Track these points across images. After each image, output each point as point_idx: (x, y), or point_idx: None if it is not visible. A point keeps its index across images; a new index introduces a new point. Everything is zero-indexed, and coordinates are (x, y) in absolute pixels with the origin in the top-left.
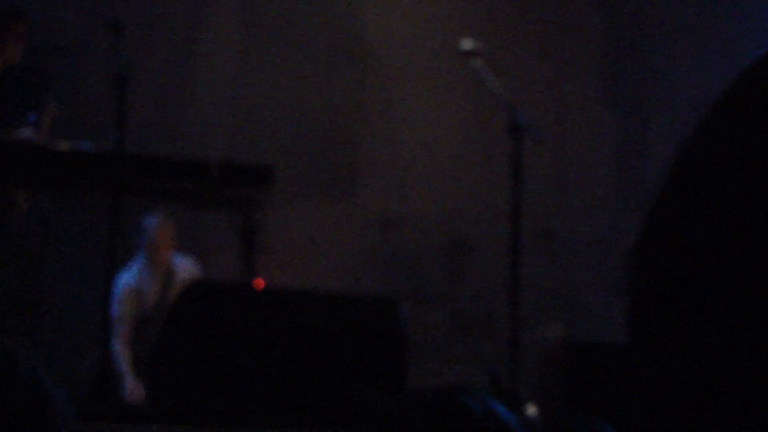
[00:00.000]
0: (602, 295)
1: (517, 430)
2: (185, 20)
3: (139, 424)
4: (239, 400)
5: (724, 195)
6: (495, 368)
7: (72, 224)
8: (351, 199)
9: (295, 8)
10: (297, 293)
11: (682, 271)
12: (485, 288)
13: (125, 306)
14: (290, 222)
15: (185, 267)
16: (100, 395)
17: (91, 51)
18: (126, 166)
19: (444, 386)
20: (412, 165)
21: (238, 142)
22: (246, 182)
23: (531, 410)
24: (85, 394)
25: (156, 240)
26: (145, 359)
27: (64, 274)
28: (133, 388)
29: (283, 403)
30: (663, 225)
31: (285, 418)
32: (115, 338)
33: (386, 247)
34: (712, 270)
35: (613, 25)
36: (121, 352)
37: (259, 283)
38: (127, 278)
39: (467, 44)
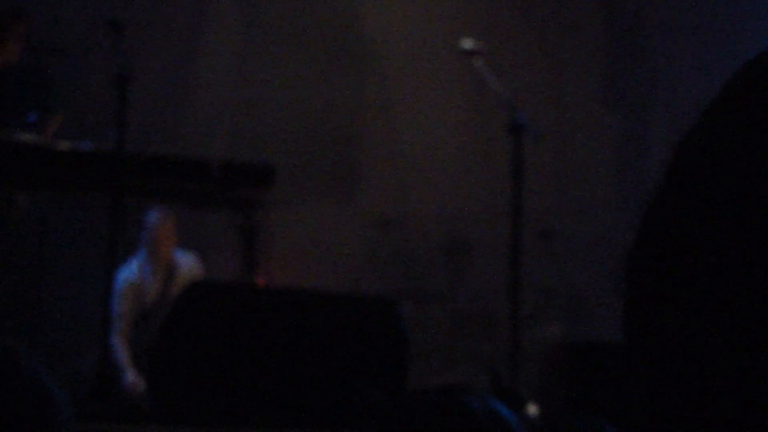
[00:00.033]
0: (602, 294)
1: (518, 430)
2: (185, 20)
3: (139, 424)
4: (240, 400)
5: (719, 195)
6: (496, 368)
7: (72, 224)
8: (351, 199)
9: (295, 8)
10: (297, 293)
11: (676, 271)
12: (485, 288)
13: (125, 301)
14: (290, 222)
15: (187, 263)
16: (100, 395)
17: (91, 51)
18: (126, 166)
19: (445, 386)
20: (412, 165)
21: (238, 142)
22: (246, 182)
23: (531, 410)
24: (85, 394)
25: (157, 235)
26: (145, 355)
27: (64, 274)
28: (132, 381)
29: (284, 403)
30: (658, 226)
31: (285, 418)
32: (114, 333)
33: (386, 247)
34: (707, 270)
35: (613, 25)
36: (120, 345)
37: (260, 282)
38: (127, 273)
39: (467, 44)
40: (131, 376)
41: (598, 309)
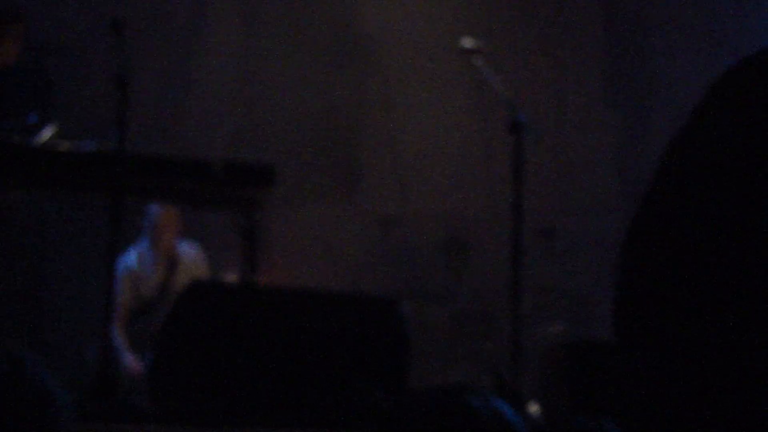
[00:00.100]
0: (603, 293)
1: (521, 429)
2: (185, 20)
3: (139, 424)
4: (240, 400)
5: (707, 195)
6: (498, 367)
7: (72, 223)
8: (351, 199)
9: (295, 8)
10: (297, 293)
11: (665, 269)
12: (486, 287)
13: (122, 288)
14: (291, 222)
15: (189, 253)
16: (100, 395)
17: (91, 51)
18: (126, 166)
19: (448, 386)
20: (412, 164)
21: (239, 141)
22: (247, 182)
23: (533, 409)
24: (85, 394)
25: (160, 224)
26: (146, 344)
27: (64, 274)
28: (131, 362)
29: (284, 403)
30: (647, 225)
31: (286, 418)
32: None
33: (386, 246)
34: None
35: (613, 25)
36: (118, 329)
37: (260, 282)
38: (126, 262)
39: (468, 43)
40: (130, 358)
41: (598, 308)
